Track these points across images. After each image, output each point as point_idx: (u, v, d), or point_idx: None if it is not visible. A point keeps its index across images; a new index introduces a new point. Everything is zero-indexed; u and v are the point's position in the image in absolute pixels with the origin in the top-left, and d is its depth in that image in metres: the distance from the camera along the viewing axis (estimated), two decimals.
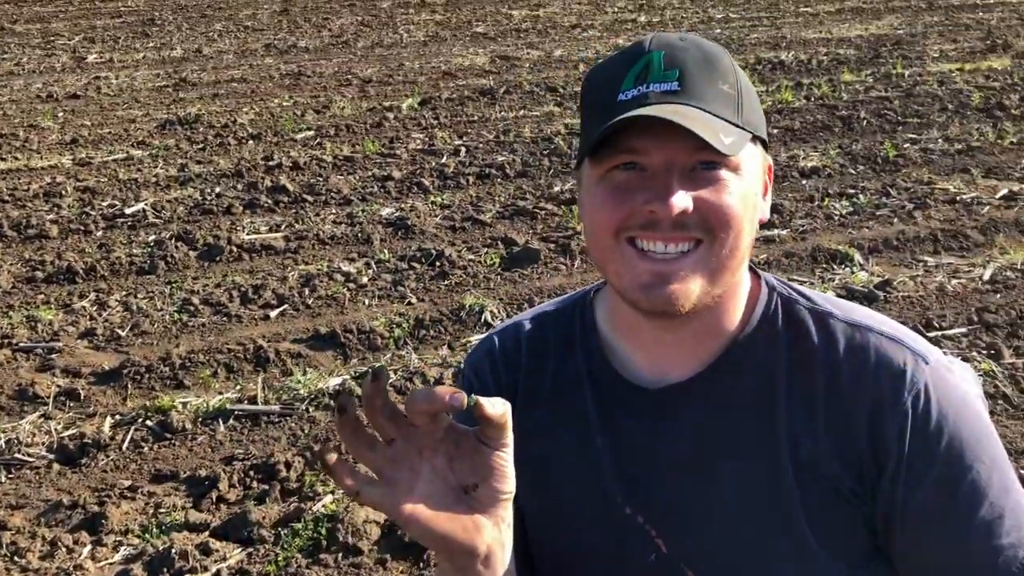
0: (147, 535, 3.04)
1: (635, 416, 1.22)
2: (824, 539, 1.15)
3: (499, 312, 4.51)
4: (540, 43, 13.65)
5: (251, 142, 8.04)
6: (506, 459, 1.01)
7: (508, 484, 1.02)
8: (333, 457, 0.99)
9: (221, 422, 3.69)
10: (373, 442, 0.99)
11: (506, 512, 1.04)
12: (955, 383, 1.16)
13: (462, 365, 1.42)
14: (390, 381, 3.90)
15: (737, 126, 1.10)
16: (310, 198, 6.34)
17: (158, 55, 13.26)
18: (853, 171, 6.54)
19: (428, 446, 1.01)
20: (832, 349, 1.16)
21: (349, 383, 3.91)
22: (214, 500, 3.18)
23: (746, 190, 1.12)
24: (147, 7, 18.87)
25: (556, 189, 6.37)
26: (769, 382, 1.18)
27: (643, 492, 1.22)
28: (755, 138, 1.15)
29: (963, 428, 1.12)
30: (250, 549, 2.93)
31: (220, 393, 3.93)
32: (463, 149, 7.51)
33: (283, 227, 5.83)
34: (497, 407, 0.98)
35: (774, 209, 5.67)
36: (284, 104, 9.68)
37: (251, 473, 3.32)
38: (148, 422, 3.70)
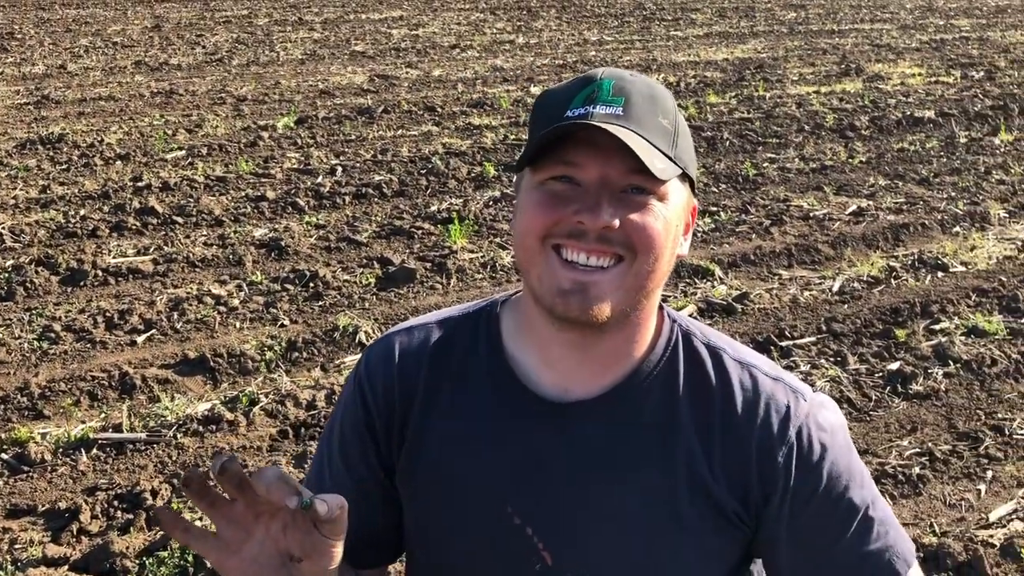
0: (2, 573, 2.93)
1: (534, 428, 1.26)
2: (706, 560, 1.25)
3: (374, 332, 4.53)
4: (419, 63, 13.72)
5: (119, 162, 7.81)
6: (335, 546, 1.07)
7: (330, 562, 1.08)
8: (167, 513, 1.05)
9: (83, 452, 3.59)
10: (215, 500, 1.05)
11: None
12: (827, 416, 1.28)
13: (361, 356, 1.39)
14: (260, 405, 3.88)
15: (670, 159, 1.17)
16: (180, 220, 6.21)
17: (18, 71, 12.70)
18: (716, 190, 6.85)
19: (267, 512, 1.07)
20: (725, 384, 1.26)
21: (219, 407, 3.86)
22: (75, 533, 3.09)
23: (670, 220, 1.18)
24: (5, 20, 18.03)
25: (433, 208, 6.43)
26: (669, 409, 1.25)
27: (534, 503, 1.25)
28: (684, 176, 1.22)
29: (838, 456, 1.25)
30: None
31: (83, 422, 3.81)
32: (340, 168, 7.50)
33: (151, 250, 5.69)
34: (331, 509, 1.03)
35: None
36: (155, 123, 9.43)
37: (115, 503, 3.25)
38: (3, 455, 3.56)
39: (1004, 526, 3.18)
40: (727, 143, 8.14)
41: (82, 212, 6.38)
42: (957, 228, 5.99)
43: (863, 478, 1.27)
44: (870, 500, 1.26)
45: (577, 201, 1.15)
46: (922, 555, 2.98)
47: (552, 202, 1.16)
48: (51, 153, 8.11)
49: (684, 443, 1.24)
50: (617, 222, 1.14)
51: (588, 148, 1.14)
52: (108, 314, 4.74)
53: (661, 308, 1.32)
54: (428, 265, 5.39)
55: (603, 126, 1.11)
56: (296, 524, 1.07)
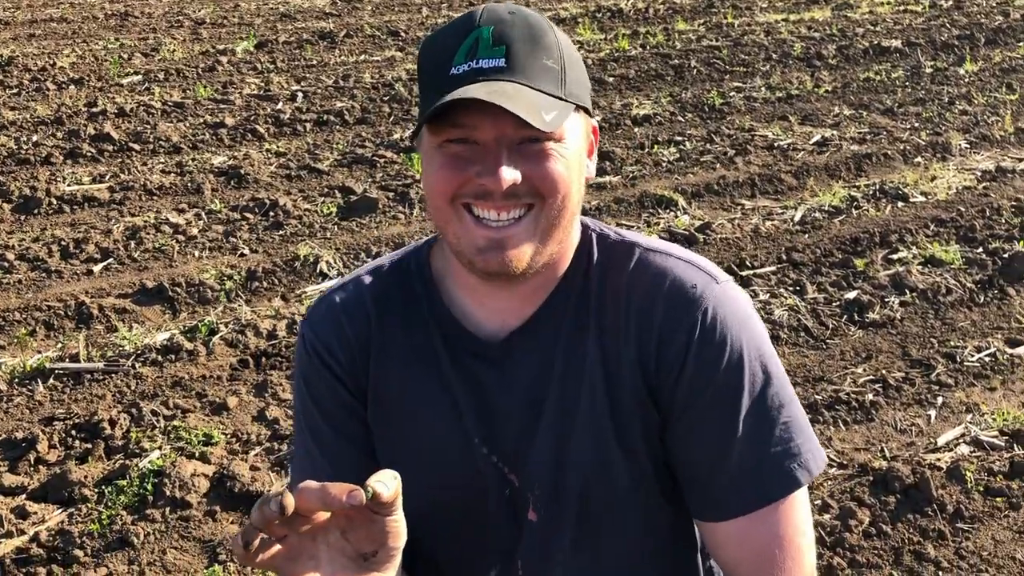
0: None
1: (480, 366, 1.29)
2: (648, 449, 1.27)
3: (335, 262, 4.50)
4: None
5: (72, 87, 7.59)
6: (398, 519, 1.04)
7: (401, 539, 1.06)
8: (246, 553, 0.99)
9: (40, 382, 3.55)
10: (268, 546, 1.00)
11: (397, 560, 1.07)
12: (742, 303, 1.26)
13: (300, 328, 1.36)
14: (220, 335, 3.85)
15: (560, 98, 1.17)
16: (137, 147, 6.07)
17: None
18: (682, 119, 6.81)
19: (320, 528, 1.03)
20: (636, 273, 1.26)
21: (177, 337, 3.83)
22: (32, 462, 3.07)
23: (571, 157, 1.19)
24: None
25: (396, 136, 6.34)
26: (584, 308, 1.27)
27: (495, 433, 1.29)
28: (579, 107, 1.21)
29: (746, 342, 1.23)
30: (71, 510, 2.87)
31: (39, 352, 3.77)
32: (300, 95, 7.35)
33: (107, 177, 5.57)
34: (391, 486, 0.99)
35: (607, 157, 5.86)
36: (109, 46, 9.15)
37: (73, 433, 3.23)
38: None
39: (951, 450, 3.27)
40: (694, 71, 8.07)
41: (35, 138, 6.22)
42: (919, 158, 6.02)
43: (774, 376, 1.24)
44: (779, 401, 1.23)
45: (477, 162, 1.15)
46: (872, 479, 3.06)
47: (454, 165, 1.17)
48: (1, 76, 7.85)
49: (598, 339, 1.26)
50: (519, 177, 1.15)
51: (478, 110, 1.13)
52: (63, 243, 4.65)
53: (582, 224, 1.33)
54: (391, 194, 5.33)
55: (484, 95, 1.10)
56: (355, 522, 1.04)
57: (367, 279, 1.36)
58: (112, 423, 3.26)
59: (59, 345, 3.82)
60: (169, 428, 3.26)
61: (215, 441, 3.21)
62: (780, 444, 1.22)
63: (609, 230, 1.33)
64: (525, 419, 1.29)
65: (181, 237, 4.76)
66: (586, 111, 1.25)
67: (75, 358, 3.70)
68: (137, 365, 3.66)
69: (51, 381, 3.56)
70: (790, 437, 1.23)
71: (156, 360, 3.69)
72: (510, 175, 1.14)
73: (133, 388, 3.54)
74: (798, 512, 1.24)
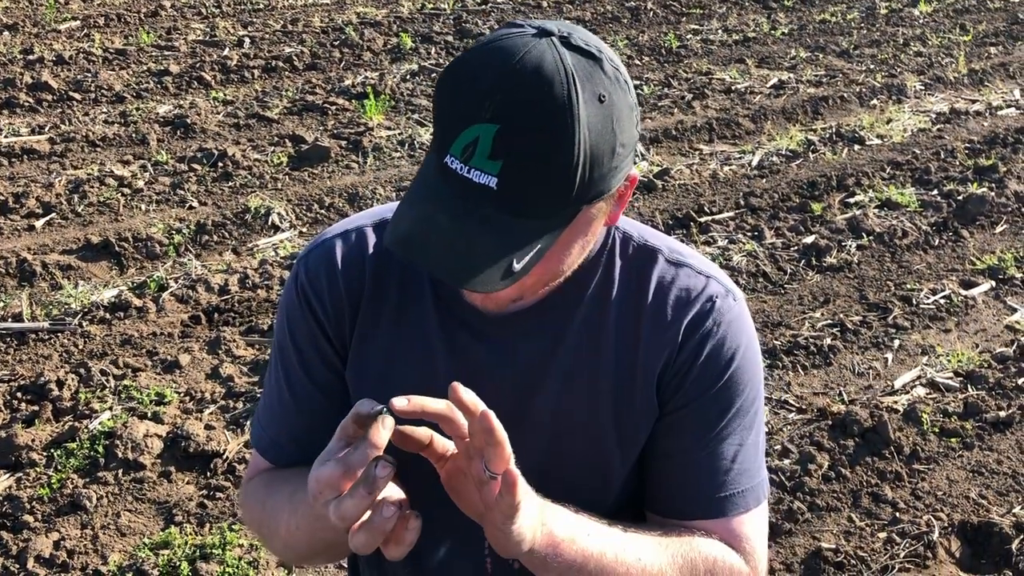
0: None
1: (478, 340, 1.24)
2: (635, 445, 1.26)
3: (287, 214, 4.39)
4: None
5: (6, 33, 7.27)
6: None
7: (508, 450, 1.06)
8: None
9: None
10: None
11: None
12: (750, 323, 1.28)
13: (295, 265, 1.30)
14: (170, 291, 3.74)
15: (555, 209, 1.04)
16: (78, 96, 5.84)
17: None
18: (639, 63, 6.72)
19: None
20: (658, 280, 1.25)
21: (126, 294, 3.71)
22: None
23: (569, 254, 1.12)
24: None
25: (347, 83, 6.18)
26: (601, 311, 1.24)
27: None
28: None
29: (746, 364, 1.25)
30: (19, 474, 2.79)
31: None
32: (247, 40, 7.11)
33: (47, 128, 5.36)
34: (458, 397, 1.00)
35: None
36: None
37: (18, 395, 3.13)
38: None
39: (907, 392, 3.31)
40: (651, 13, 7.95)
41: None
42: (874, 101, 6.02)
43: (757, 399, 1.29)
44: (751, 423, 1.27)
45: None
46: (831, 423, 3.09)
47: None
48: None
49: (615, 342, 1.24)
50: (513, 293, 1.13)
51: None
52: (2, 197, 4.48)
53: None
54: (343, 143, 5.20)
55: (435, 272, 1.03)
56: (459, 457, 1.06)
57: (368, 231, 1.29)
58: (60, 384, 3.17)
59: (1, 304, 3.69)
60: (120, 388, 3.18)
61: (168, 400, 3.13)
62: (746, 463, 1.26)
63: (631, 229, 1.28)
64: (519, 403, 1.25)
65: (127, 190, 4.61)
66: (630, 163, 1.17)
67: (18, 317, 3.58)
68: (84, 324, 3.55)
69: None
70: (757, 462, 1.28)
71: (104, 318, 3.58)
72: (494, 301, 1.13)
73: (81, 347, 3.44)
74: (754, 525, 1.28)
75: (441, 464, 1.08)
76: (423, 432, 1.04)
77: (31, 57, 6.57)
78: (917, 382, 3.37)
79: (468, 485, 1.07)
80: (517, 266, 1.03)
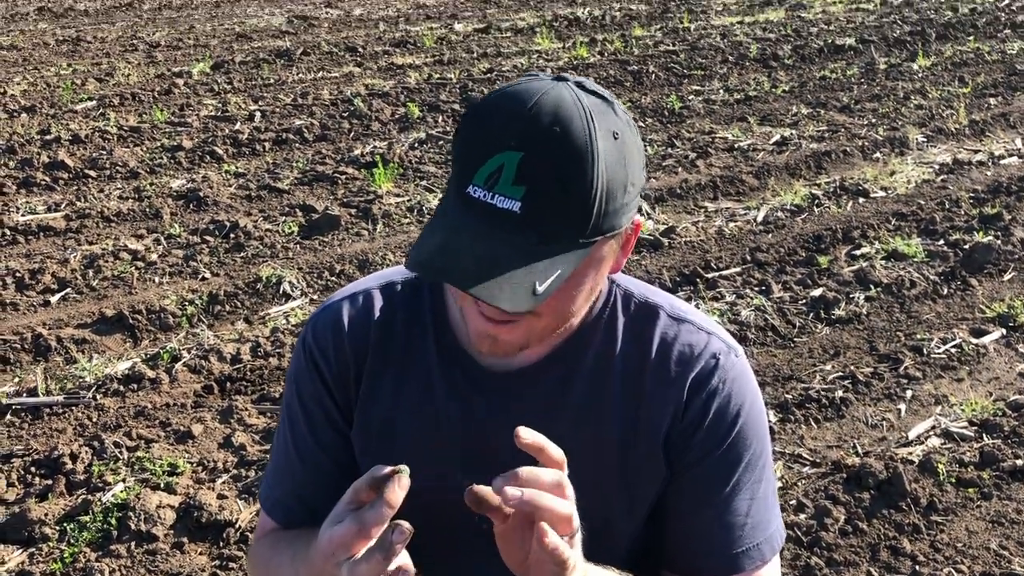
0: None
1: (481, 394, 1.26)
2: (641, 506, 1.28)
3: (298, 282, 4.44)
4: (338, 2, 13.34)
5: (24, 115, 7.46)
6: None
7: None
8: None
9: None
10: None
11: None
12: (751, 378, 1.30)
13: (303, 329, 1.34)
14: (183, 361, 3.77)
15: (578, 244, 1.08)
16: (93, 173, 5.97)
17: None
18: (642, 124, 6.82)
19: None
20: (661, 338, 1.27)
21: (139, 365, 3.75)
22: None
23: (579, 301, 1.16)
24: None
25: (357, 152, 6.29)
26: (606, 367, 1.26)
27: (482, 465, 1.24)
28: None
29: (752, 419, 1.27)
30: (32, 549, 2.79)
31: None
32: (259, 114, 7.28)
33: (63, 206, 5.47)
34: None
35: None
36: (62, 73, 9.02)
37: (32, 469, 3.14)
38: None
39: (922, 443, 3.28)
40: (653, 76, 8.10)
41: None
42: (877, 154, 6.07)
43: (764, 453, 1.30)
44: (761, 477, 1.29)
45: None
46: (845, 476, 3.06)
47: None
48: None
49: (619, 398, 1.26)
50: (518, 328, 1.14)
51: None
52: (19, 274, 4.55)
53: None
54: (353, 211, 5.28)
55: (464, 289, 1.04)
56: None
57: (376, 294, 1.33)
58: (73, 457, 3.18)
59: (16, 379, 3.73)
60: (133, 460, 3.19)
61: (180, 471, 3.14)
62: (752, 517, 1.27)
63: (632, 286, 1.31)
64: (518, 461, 1.25)
65: (140, 263, 4.68)
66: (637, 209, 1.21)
67: (33, 392, 3.61)
68: (98, 396, 3.58)
69: (8, 417, 3.47)
70: (769, 513, 1.29)
71: (118, 390, 3.61)
72: (506, 332, 1.13)
73: (94, 420, 3.46)
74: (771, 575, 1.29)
75: (501, 520, 1.06)
76: (494, 496, 1.02)
77: (48, 137, 6.73)
78: (931, 432, 3.34)
79: (515, 537, 1.06)
80: (540, 288, 1.05)
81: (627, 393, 1.26)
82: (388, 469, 1.01)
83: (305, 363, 1.32)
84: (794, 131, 6.53)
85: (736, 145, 6.23)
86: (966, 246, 4.62)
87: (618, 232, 1.13)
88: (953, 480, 3.06)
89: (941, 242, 4.74)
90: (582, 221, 1.07)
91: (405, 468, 1.00)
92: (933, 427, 3.36)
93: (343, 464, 1.32)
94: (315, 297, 4.36)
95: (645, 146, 6.21)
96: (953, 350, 3.82)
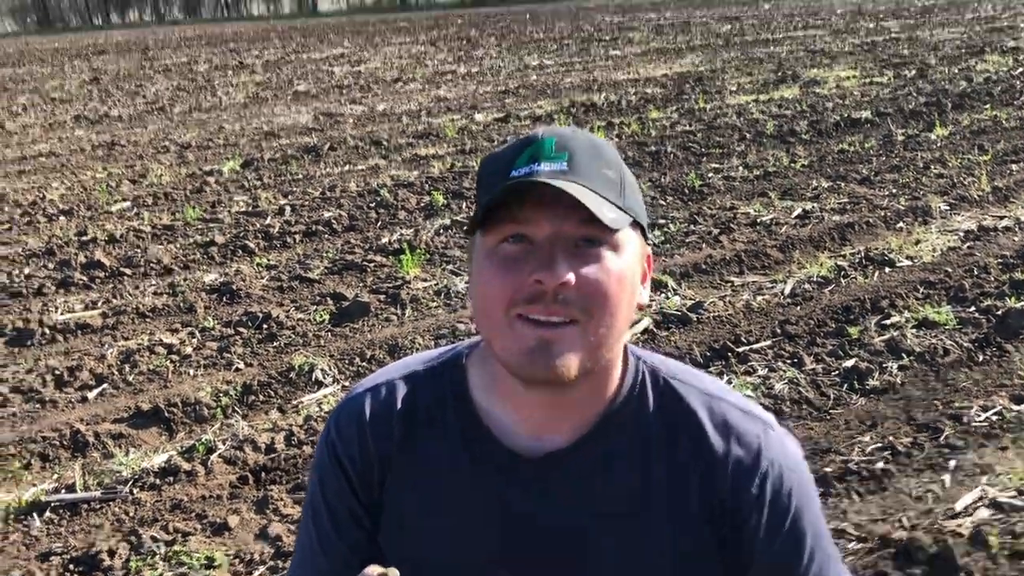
0: None
1: (514, 483, 1.24)
2: None
3: (330, 369, 4.48)
4: (363, 98, 13.74)
5: (62, 218, 7.69)
6: None
7: None
8: None
9: (36, 516, 3.48)
10: None
11: None
12: (794, 449, 1.30)
13: (327, 422, 1.35)
14: (218, 452, 3.80)
15: (619, 207, 1.16)
16: (128, 271, 6.11)
17: None
18: (663, 202, 6.90)
19: None
20: (696, 419, 1.26)
21: (175, 458, 3.77)
22: None
23: (625, 270, 1.17)
24: None
25: (384, 240, 6.40)
26: (642, 447, 1.25)
27: (520, 557, 1.24)
28: (635, 224, 1.21)
29: (804, 493, 1.27)
30: None
31: (34, 485, 3.70)
32: (288, 208, 7.44)
33: (100, 303, 5.59)
34: None
35: None
36: (97, 176, 9.31)
37: (71, 567, 3.14)
38: None
39: (971, 514, 3.20)
40: (671, 156, 8.22)
41: (26, 270, 6.26)
42: (901, 224, 6.09)
43: (821, 518, 1.30)
44: (825, 539, 1.29)
45: (532, 260, 1.13)
46: (894, 551, 2.99)
47: (509, 266, 1.15)
48: None
49: (660, 482, 1.24)
50: (573, 277, 1.12)
51: (538, 205, 1.13)
52: (57, 372, 4.63)
53: (625, 347, 1.32)
54: (382, 297, 5.35)
55: (550, 181, 1.11)
56: None
57: (400, 388, 1.33)
58: (111, 553, 3.18)
59: (55, 476, 3.76)
60: (170, 553, 3.18)
61: (217, 564, 3.12)
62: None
63: (657, 362, 1.32)
64: (561, 547, 1.24)
65: (175, 357, 4.75)
66: (642, 232, 1.25)
67: (71, 488, 3.64)
68: (135, 490, 3.59)
69: (47, 515, 3.49)
70: (837, 571, 1.29)
71: (154, 484, 3.63)
72: (565, 271, 1.12)
73: (132, 515, 3.47)
74: None
75: None
76: None
77: (85, 238, 6.92)
78: (980, 503, 3.26)
79: None
80: (610, 215, 1.14)
81: (669, 477, 1.24)
82: (378, 572, 1.02)
83: (329, 460, 1.32)
84: (816, 204, 6.57)
85: (758, 220, 6.28)
86: (999, 312, 4.59)
87: (641, 225, 1.22)
88: (1006, 552, 2.98)
89: (972, 309, 4.71)
90: (617, 186, 1.18)
91: (395, 571, 1.00)
92: (981, 497, 3.29)
93: (367, 560, 1.32)
94: (346, 384, 4.39)
95: (667, 223, 6.29)
96: (994, 418, 3.76)
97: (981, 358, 4.24)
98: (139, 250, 6.53)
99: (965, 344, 4.33)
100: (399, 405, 1.31)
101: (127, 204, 7.99)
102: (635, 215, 1.20)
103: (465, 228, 1.14)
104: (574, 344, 1.14)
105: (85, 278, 6.01)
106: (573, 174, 1.14)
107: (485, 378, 1.29)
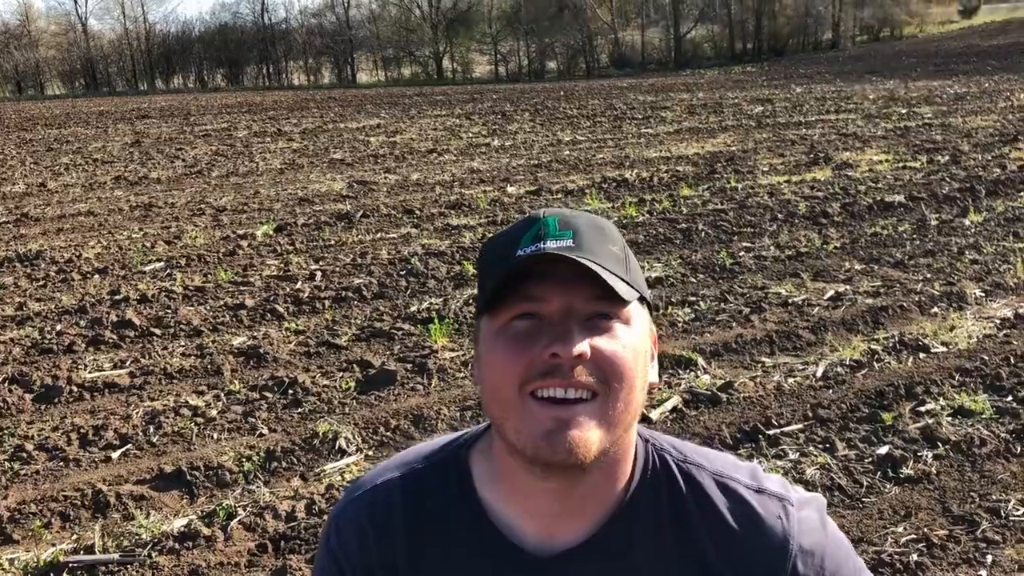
0: None
1: None
2: None
3: (354, 438, 4.45)
4: (397, 167, 13.94)
5: (96, 276, 7.80)
6: None
7: None
8: None
9: None
10: None
11: None
12: (816, 517, 1.25)
13: (328, 521, 1.32)
14: (238, 519, 3.76)
15: (626, 283, 1.15)
16: (158, 331, 6.16)
17: None
18: (694, 280, 6.89)
19: None
20: (710, 506, 1.22)
21: (195, 523, 3.74)
22: None
23: (637, 344, 1.15)
24: None
25: (413, 309, 6.42)
26: (658, 542, 1.20)
27: None
28: (641, 300, 1.20)
29: (838, 553, 1.23)
30: None
31: (53, 545, 3.68)
32: (319, 273, 7.51)
33: (128, 363, 5.62)
34: None
35: None
36: (133, 236, 9.47)
37: None
38: None
39: None
40: (702, 234, 8.23)
41: (58, 327, 6.33)
42: (935, 309, 6.02)
43: (859, 566, 1.26)
44: None
45: (545, 335, 1.11)
46: None
47: (520, 342, 1.12)
48: (28, 270, 8.09)
49: (679, 571, 1.20)
50: (589, 350, 1.10)
51: (547, 280, 1.12)
52: (83, 430, 4.64)
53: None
54: (409, 366, 5.34)
55: (561, 253, 1.11)
56: None
57: (397, 484, 1.28)
58: None
59: (74, 537, 3.73)
60: None
61: None
62: None
63: (665, 443, 1.28)
64: None
65: (200, 419, 4.74)
66: (649, 308, 1.23)
67: (90, 549, 3.60)
68: (154, 554, 3.55)
69: (65, 575, 3.45)
70: None
71: (173, 548, 3.59)
72: (580, 343, 1.09)
73: None
74: None
75: None
76: None
77: (117, 297, 7.00)
78: None
79: None
80: (621, 288, 1.13)
81: (690, 569, 1.19)
82: None
83: (331, 566, 1.29)
84: (848, 286, 6.52)
85: (790, 300, 6.23)
86: None
87: (648, 302, 1.22)
88: None
89: (1010, 398, 4.61)
90: (623, 263, 1.18)
91: None
92: None
93: None
94: (370, 453, 4.36)
95: (697, 301, 6.26)
96: None
97: (1019, 449, 4.13)
98: (169, 311, 6.59)
99: (1002, 435, 4.23)
100: (402, 508, 1.26)
101: (160, 264, 8.10)
102: (641, 290, 1.19)
103: (473, 313, 1.12)
104: (592, 422, 1.10)
105: (115, 337, 6.06)
106: (580, 250, 1.13)
107: (491, 473, 1.24)
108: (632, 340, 1.14)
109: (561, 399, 1.10)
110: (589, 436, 1.09)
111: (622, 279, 1.14)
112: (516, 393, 1.11)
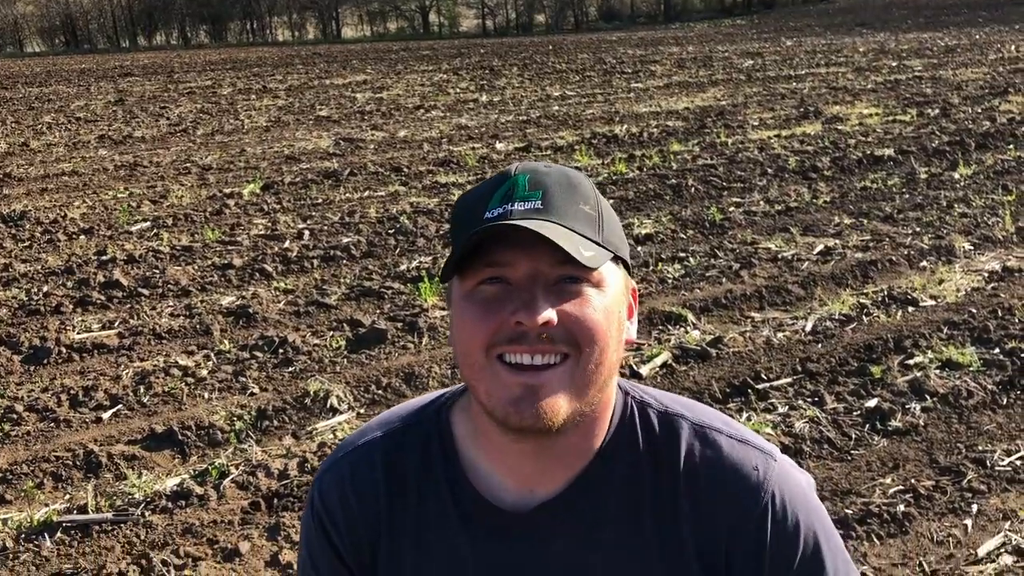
0: None
1: (505, 540, 1.21)
2: None
3: (345, 396, 4.45)
4: (384, 124, 13.82)
5: (83, 237, 7.74)
6: None
7: None
8: None
9: (47, 536, 3.45)
10: None
11: None
12: (798, 477, 1.24)
13: (312, 486, 1.32)
14: (231, 477, 3.77)
15: (597, 243, 1.13)
16: (146, 291, 6.12)
17: None
18: (683, 236, 6.88)
19: None
20: (688, 451, 1.21)
21: (188, 482, 3.75)
22: None
23: (609, 306, 1.13)
24: None
25: (403, 268, 6.40)
26: (634, 489, 1.20)
27: None
28: (616, 259, 1.18)
29: (813, 520, 1.21)
30: None
31: (46, 505, 3.68)
32: (307, 232, 7.46)
33: (117, 323, 5.59)
34: None
35: None
36: (119, 196, 9.39)
37: None
38: None
39: (993, 560, 3.13)
40: (692, 189, 8.20)
41: (45, 288, 6.28)
42: (924, 263, 6.03)
43: (837, 544, 1.25)
44: (843, 565, 1.23)
45: (512, 301, 1.10)
46: None
47: (487, 308, 1.11)
48: (13, 231, 8.01)
49: (654, 523, 1.20)
50: (555, 317, 1.09)
51: (513, 246, 1.11)
52: (72, 391, 4.63)
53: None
54: (399, 325, 5.33)
55: (522, 223, 1.08)
56: None
57: (379, 444, 1.29)
58: (121, 575, 3.15)
59: (67, 497, 3.74)
60: None
61: None
62: None
63: (647, 396, 1.27)
64: None
65: (190, 379, 4.74)
66: (625, 267, 1.21)
67: (83, 509, 3.61)
68: (147, 513, 3.57)
69: (59, 535, 3.46)
70: None
71: (166, 507, 3.60)
72: (545, 311, 1.08)
73: (143, 538, 3.44)
74: None
75: None
76: None
77: (104, 257, 6.95)
78: (1002, 549, 3.19)
79: None
80: (586, 254, 1.10)
81: (665, 519, 1.20)
82: None
83: (315, 527, 1.30)
84: (838, 241, 6.53)
85: (780, 255, 6.24)
86: (1023, 355, 4.52)
87: (624, 261, 1.19)
88: None
89: (997, 351, 4.64)
90: (594, 221, 1.16)
91: None
92: (1003, 543, 3.22)
93: None
94: (361, 411, 4.37)
95: (687, 257, 6.26)
96: (1018, 462, 3.68)
97: (1006, 401, 4.17)
98: (157, 271, 6.55)
99: (989, 387, 4.26)
100: (384, 468, 1.27)
101: (147, 224, 8.04)
102: (615, 249, 1.16)
103: (440, 274, 1.12)
104: (562, 387, 1.10)
105: (103, 297, 6.03)
106: (548, 212, 1.12)
107: (470, 431, 1.25)
108: (603, 302, 1.13)
109: (528, 365, 1.10)
110: (558, 401, 1.09)
111: (593, 240, 1.13)
112: (484, 357, 1.11)
